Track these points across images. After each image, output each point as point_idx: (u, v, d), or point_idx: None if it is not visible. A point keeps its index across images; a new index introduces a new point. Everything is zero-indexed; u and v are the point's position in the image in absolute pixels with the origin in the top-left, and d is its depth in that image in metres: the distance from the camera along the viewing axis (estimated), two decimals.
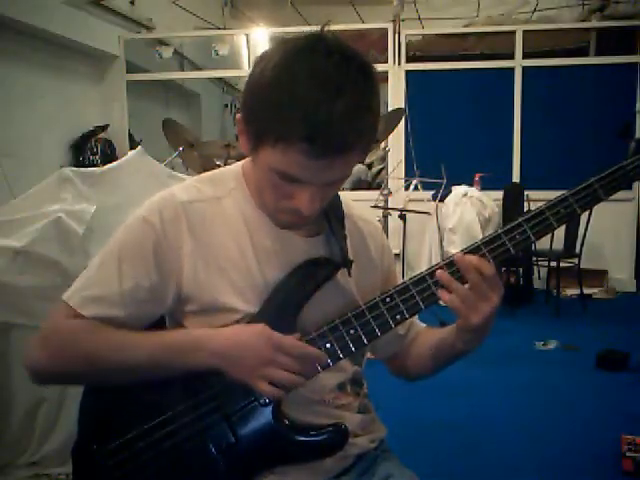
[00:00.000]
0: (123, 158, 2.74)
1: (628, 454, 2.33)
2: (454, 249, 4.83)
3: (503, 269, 5.07)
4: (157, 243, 1.00)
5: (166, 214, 1.02)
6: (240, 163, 1.12)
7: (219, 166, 3.80)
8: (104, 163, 5.04)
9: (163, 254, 1.00)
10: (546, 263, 5.33)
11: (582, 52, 6.65)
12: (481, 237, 1.00)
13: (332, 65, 0.87)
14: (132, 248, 1.01)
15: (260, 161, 0.95)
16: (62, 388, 2.17)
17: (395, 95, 6.10)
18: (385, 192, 4.70)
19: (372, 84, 0.92)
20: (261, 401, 0.99)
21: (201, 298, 1.01)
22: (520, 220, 0.98)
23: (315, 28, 0.95)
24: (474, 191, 5.32)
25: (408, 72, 6.20)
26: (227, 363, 0.97)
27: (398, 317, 1.00)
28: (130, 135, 6.43)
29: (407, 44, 6.29)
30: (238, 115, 0.98)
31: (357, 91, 0.88)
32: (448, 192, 5.28)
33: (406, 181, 5.66)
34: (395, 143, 6.03)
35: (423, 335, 1.22)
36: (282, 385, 0.96)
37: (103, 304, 1.00)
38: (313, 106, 0.85)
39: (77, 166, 5.33)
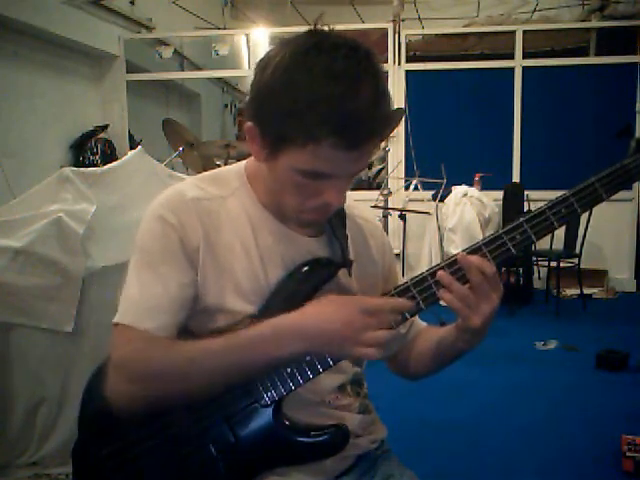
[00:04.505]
0: (123, 158, 2.74)
1: (628, 454, 2.32)
2: (454, 249, 4.83)
3: (503, 269, 5.07)
4: (180, 238, 0.99)
5: (181, 211, 1.00)
6: (242, 163, 1.11)
7: (219, 166, 3.79)
8: (104, 163, 5.05)
9: (187, 248, 0.99)
10: (546, 263, 5.34)
11: (582, 52, 6.65)
12: (481, 237, 1.00)
13: (343, 58, 0.88)
14: (161, 250, 0.99)
15: (281, 165, 0.94)
16: (62, 388, 2.17)
17: (395, 95, 6.09)
18: (385, 192, 4.70)
19: (380, 69, 0.93)
20: (262, 402, 0.99)
21: (206, 299, 1.01)
22: (521, 220, 0.98)
23: (311, 27, 0.95)
24: (474, 191, 5.32)
25: (408, 72, 6.20)
26: (318, 343, 0.94)
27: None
28: (130, 135, 6.42)
29: (407, 44, 6.29)
30: (249, 123, 0.96)
31: (372, 78, 0.90)
32: (448, 192, 5.28)
33: (406, 181, 5.66)
34: (395, 143, 6.03)
35: (424, 334, 1.22)
36: (381, 343, 0.93)
37: (156, 313, 0.97)
38: (337, 101, 0.86)
39: (77, 166, 5.33)
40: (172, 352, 0.96)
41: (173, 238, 0.99)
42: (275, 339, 0.94)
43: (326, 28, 0.94)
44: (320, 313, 0.95)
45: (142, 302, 0.98)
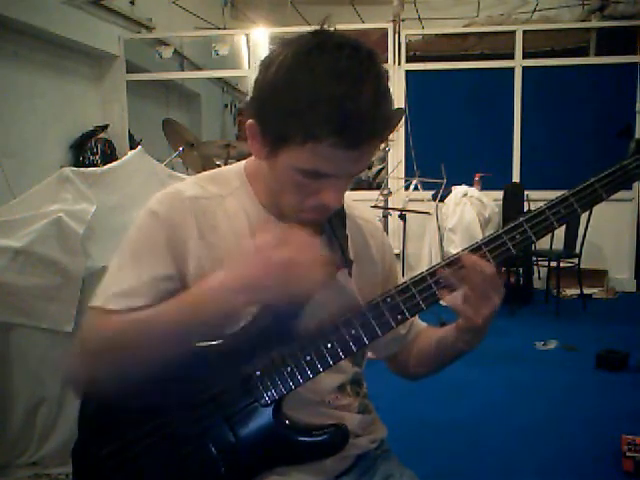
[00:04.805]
0: (123, 158, 2.75)
1: (628, 454, 2.32)
2: (454, 249, 4.83)
3: (503, 269, 5.07)
4: (168, 235, 1.00)
5: (174, 208, 1.01)
6: (242, 163, 1.12)
7: (219, 166, 3.79)
8: (104, 163, 5.05)
9: (174, 245, 1.00)
10: (546, 263, 5.34)
11: (582, 52, 6.65)
12: (481, 237, 1.00)
13: (345, 58, 0.88)
14: (145, 242, 1.01)
15: (281, 163, 0.95)
16: (62, 388, 2.17)
17: (395, 95, 6.09)
18: (385, 192, 4.70)
19: (382, 69, 0.94)
20: (262, 402, 0.99)
21: None
22: (521, 220, 0.98)
23: (316, 28, 0.95)
24: (474, 191, 5.32)
25: (408, 72, 6.20)
26: (251, 298, 0.90)
27: (399, 317, 1.00)
28: (130, 135, 6.42)
29: (407, 44, 6.29)
30: (250, 121, 0.97)
31: (374, 78, 0.90)
32: (448, 192, 5.28)
33: (406, 181, 5.66)
34: (395, 143, 6.02)
35: (424, 334, 1.22)
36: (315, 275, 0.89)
37: (127, 298, 0.97)
38: (339, 101, 0.86)
39: (77, 166, 5.33)
40: (122, 320, 0.94)
41: (160, 232, 1.00)
42: (213, 296, 0.90)
43: (330, 28, 0.95)
44: (246, 264, 0.90)
45: (113, 286, 0.99)
